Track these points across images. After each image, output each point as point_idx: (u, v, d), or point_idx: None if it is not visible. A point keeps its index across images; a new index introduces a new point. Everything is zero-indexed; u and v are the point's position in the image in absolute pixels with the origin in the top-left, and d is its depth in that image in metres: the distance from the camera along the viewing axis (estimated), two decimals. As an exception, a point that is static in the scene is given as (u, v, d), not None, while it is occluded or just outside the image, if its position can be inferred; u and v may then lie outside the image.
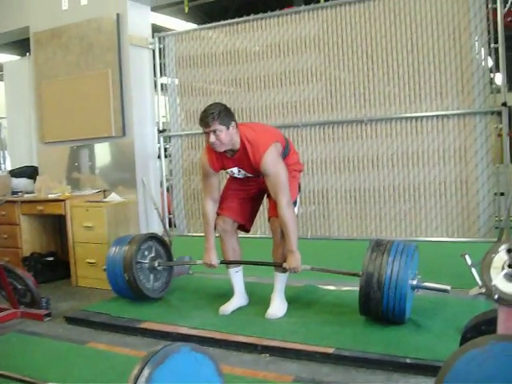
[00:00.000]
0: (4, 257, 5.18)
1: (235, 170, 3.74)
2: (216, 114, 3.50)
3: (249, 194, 3.91)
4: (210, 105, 3.61)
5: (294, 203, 3.71)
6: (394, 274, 3.20)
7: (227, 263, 3.93)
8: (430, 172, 4.25)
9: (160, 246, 4.36)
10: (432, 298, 3.93)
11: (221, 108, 3.56)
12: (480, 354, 1.73)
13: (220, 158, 3.72)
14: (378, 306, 3.25)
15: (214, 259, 3.87)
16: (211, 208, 3.87)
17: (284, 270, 3.70)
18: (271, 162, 3.54)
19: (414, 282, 3.31)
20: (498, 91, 4.03)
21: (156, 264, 4.21)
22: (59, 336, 3.73)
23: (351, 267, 4.91)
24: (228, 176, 3.95)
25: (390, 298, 3.20)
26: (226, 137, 3.52)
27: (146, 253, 4.20)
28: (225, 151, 3.64)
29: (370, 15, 4.38)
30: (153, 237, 4.34)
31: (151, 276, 4.22)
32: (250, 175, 3.74)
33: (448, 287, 3.31)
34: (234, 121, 3.59)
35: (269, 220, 3.84)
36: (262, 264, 3.85)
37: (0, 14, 6.06)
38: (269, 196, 3.80)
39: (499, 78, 4.03)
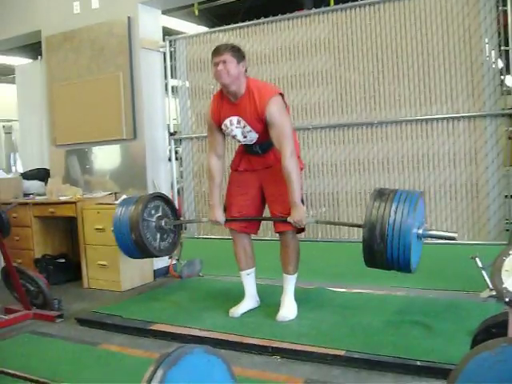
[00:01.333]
0: (16, 258, 5.22)
1: (235, 119, 3.63)
2: (230, 46, 3.59)
3: (251, 199, 3.85)
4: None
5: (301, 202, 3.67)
6: (397, 222, 3.05)
7: (232, 220, 3.85)
8: (441, 174, 4.25)
9: (167, 206, 4.28)
10: (443, 300, 3.95)
11: (235, 45, 3.66)
12: (491, 356, 1.73)
13: (221, 105, 3.69)
14: (383, 257, 3.13)
15: (220, 216, 3.84)
16: (215, 163, 3.84)
17: (295, 229, 3.67)
18: (277, 111, 3.52)
19: (420, 231, 3.17)
20: (509, 93, 4.03)
21: (163, 223, 4.14)
22: (71, 337, 3.75)
23: (361, 269, 4.92)
24: (230, 172, 3.95)
25: (394, 248, 3.07)
26: (235, 70, 3.50)
27: (153, 212, 4.13)
28: (228, 94, 3.62)
29: (380, 18, 4.39)
30: (159, 196, 4.27)
31: (158, 235, 4.13)
32: (248, 131, 3.62)
33: (455, 234, 3.24)
34: (245, 62, 3.63)
35: (278, 233, 3.81)
36: (268, 219, 3.82)
37: (12, 17, 6.12)
38: (270, 206, 3.82)
39: (510, 80, 4.02)
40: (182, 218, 5.09)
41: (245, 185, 3.84)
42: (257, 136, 3.65)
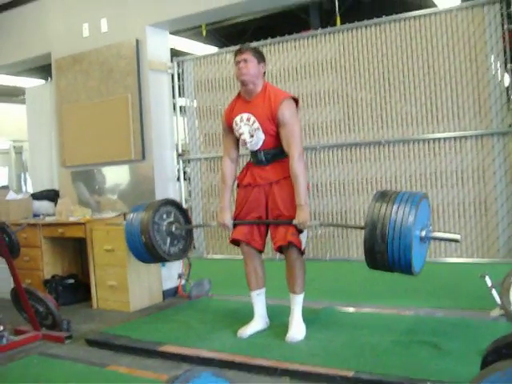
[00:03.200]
0: (26, 279, 5.25)
1: (245, 116, 3.76)
2: (252, 47, 3.84)
3: (258, 212, 3.85)
4: None
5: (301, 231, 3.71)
6: (398, 223, 3.03)
7: (239, 223, 3.87)
8: (449, 193, 4.24)
9: (179, 212, 4.31)
10: (453, 319, 3.92)
11: (256, 47, 3.97)
12: (502, 378, 1.72)
13: (235, 104, 3.89)
14: (384, 258, 3.11)
15: (228, 219, 3.89)
16: (228, 166, 3.97)
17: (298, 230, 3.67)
18: (289, 112, 3.67)
19: (423, 233, 3.16)
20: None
21: (173, 228, 4.16)
22: (80, 358, 3.75)
23: (370, 288, 4.91)
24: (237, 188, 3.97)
25: (395, 249, 3.05)
26: (254, 69, 3.71)
27: (165, 216, 4.16)
28: (244, 94, 3.81)
29: (387, 37, 4.42)
30: (172, 202, 4.31)
31: (168, 239, 4.16)
32: (256, 128, 3.71)
33: (458, 236, 3.24)
34: (265, 64, 3.84)
35: (279, 251, 3.83)
36: (273, 223, 3.77)
37: (23, 40, 6.21)
38: (271, 221, 3.81)
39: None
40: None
41: (251, 205, 3.84)
42: (263, 138, 3.73)
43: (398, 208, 3.07)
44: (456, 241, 3.26)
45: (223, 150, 4.08)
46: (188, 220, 4.41)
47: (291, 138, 3.63)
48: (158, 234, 4.08)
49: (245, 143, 3.82)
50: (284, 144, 3.67)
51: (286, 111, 3.66)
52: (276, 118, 3.65)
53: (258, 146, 3.76)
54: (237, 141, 3.93)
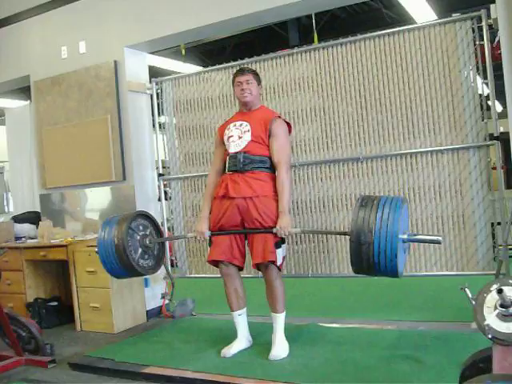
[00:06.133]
0: (8, 303, 5.22)
1: (239, 123, 3.93)
2: (252, 70, 4.08)
3: (235, 240, 3.88)
4: None
5: (283, 241, 3.77)
6: (384, 225, 3.08)
7: (216, 234, 3.87)
8: (427, 207, 4.28)
9: (153, 228, 4.19)
10: (435, 332, 3.97)
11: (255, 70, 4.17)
12: (476, 394, 1.76)
13: (232, 117, 4.14)
14: (370, 261, 3.13)
15: (205, 228, 3.89)
16: (212, 177, 4.07)
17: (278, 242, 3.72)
18: (281, 129, 3.89)
19: (405, 236, 3.18)
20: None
21: (147, 241, 4.01)
22: (63, 383, 3.73)
23: (353, 303, 4.95)
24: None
25: (381, 251, 3.08)
26: (256, 90, 3.96)
27: (141, 227, 4.04)
28: (243, 107, 4.00)
29: (362, 55, 4.47)
30: (147, 216, 4.18)
31: (139, 250, 3.97)
32: (246, 130, 3.87)
33: (439, 238, 3.25)
34: (261, 86, 4.13)
35: (258, 268, 3.85)
36: (253, 232, 3.77)
37: (2, 63, 6.21)
38: (250, 242, 3.85)
39: (498, 107, 4.09)
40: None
41: (227, 219, 3.83)
42: (249, 140, 3.83)
43: (383, 212, 3.13)
44: (437, 242, 3.27)
45: (212, 162, 4.24)
46: (161, 235, 4.31)
47: (281, 150, 3.81)
48: (131, 241, 3.91)
49: (231, 142, 3.88)
50: (274, 155, 3.80)
51: (279, 127, 3.88)
52: (269, 128, 3.82)
53: (241, 148, 3.82)
54: (223, 153, 3.99)
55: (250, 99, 3.92)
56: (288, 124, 3.99)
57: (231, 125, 3.97)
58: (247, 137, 3.84)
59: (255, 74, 4.01)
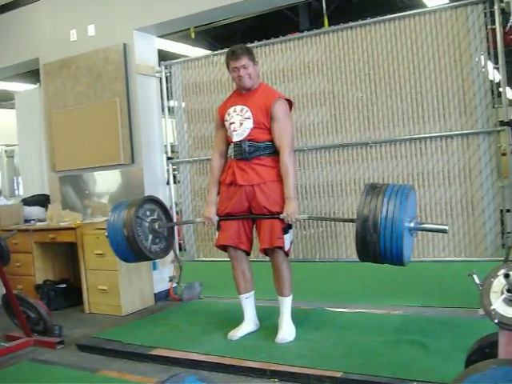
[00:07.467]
0: (17, 285, 5.27)
1: (239, 108, 3.81)
2: (245, 49, 3.82)
3: (242, 226, 3.88)
4: (235, 45, 3.89)
5: (290, 227, 3.75)
6: (390, 213, 3.05)
7: (224, 219, 3.87)
8: (436, 192, 4.26)
9: (162, 212, 4.21)
10: (441, 318, 3.96)
11: (248, 46, 3.94)
12: (481, 378, 1.75)
13: (230, 98, 3.98)
14: (376, 249, 3.12)
15: (213, 213, 3.89)
16: (217, 161, 3.99)
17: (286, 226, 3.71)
18: (282, 110, 3.76)
19: (412, 224, 3.16)
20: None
21: (156, 226, 4.05)
22: (71, 364, 3.76)
23: (360, 288, 4.95)
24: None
25: (387, 239, 3.06)
26: (254, 72, 3.79)
27: (148, 213, 4.06)
28: (241, 90, 3.85)
29: (372, 39, 4.44)
30: (155, 200, 4.20)
31: (150, 236, 4.03)
32: (247, 117, 3.76)
33: (446, 227, 3.23)
34: (258, 62, 3.93)
35: (265, 253, 3.85)
36: (260, 217, 3.78)
37: (11, 46, 6.21)
38: (257, 227, 3.85)
39: (510, 93, 4.05)
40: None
41: (235, 206, 3.83)
42: (251, 127, 3.75)
43: (389, 199, 3.09)
44: (444, 231, 3.25)
45: (214, 145, 4.13)
46: (170, 219, 4.35)
47: (283, 133, 3.71)
48: (141, 229, 3.96)
49: (233, 130, 3.81)
50: (276, 139, 3.72)
51: (280, 108, 3.74)
52: (269, 112, 3.72)
53: (244, 136, 3.77)
54: (226, 135, 3.94)
55: (249, 84, 3.79)
56: (289, 101, 3.89)
57: (231, 109, 3.85)
58: (249, 124, 3.76)
59: (249, 53, 3.79)
